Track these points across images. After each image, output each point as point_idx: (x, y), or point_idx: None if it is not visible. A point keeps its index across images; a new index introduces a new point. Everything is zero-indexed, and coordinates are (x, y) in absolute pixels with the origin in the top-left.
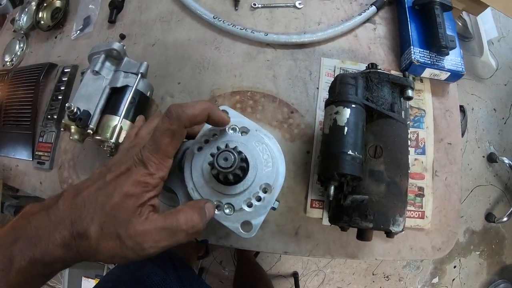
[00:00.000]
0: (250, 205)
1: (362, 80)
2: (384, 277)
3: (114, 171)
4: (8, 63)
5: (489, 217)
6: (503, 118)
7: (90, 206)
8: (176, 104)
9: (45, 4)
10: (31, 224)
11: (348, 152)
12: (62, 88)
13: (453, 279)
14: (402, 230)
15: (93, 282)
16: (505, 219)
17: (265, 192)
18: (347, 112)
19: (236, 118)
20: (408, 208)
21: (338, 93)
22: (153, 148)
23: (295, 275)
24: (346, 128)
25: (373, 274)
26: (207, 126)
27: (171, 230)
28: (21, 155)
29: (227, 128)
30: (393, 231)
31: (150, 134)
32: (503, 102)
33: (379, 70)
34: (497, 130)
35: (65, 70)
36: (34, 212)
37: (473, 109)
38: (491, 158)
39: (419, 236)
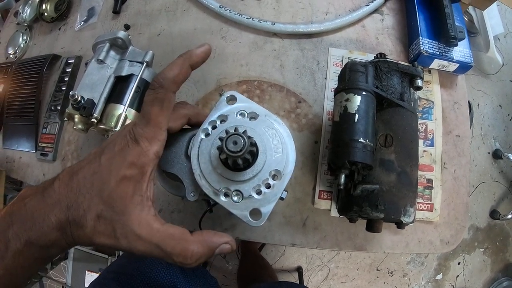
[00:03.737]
0: (259, 192)
1: (372, 68)
2: (388, 273)
3: (108, 152)
4: (11, 56)
5: (493, 214)
6: (508, 115)
7: (86, 191)
8: (156, 74)
9: None
10: (26, 207)
11: (359, 140)
12: (66, 79)
13: (457, 276)
14: (413, 222)
15: (96, 275)
16: (509, 216)
17: (274, 179)
18: (357, 100)
19: (244, 103)
20: (417, 200)
21: (348, 81)
22: (144, 122)
23: (299, 270)
24: (357, 116)
25: (377, 270)
26: (214, 112)
27: (164, 253)
28: (25, 147)
29: (235, 113)
30: (404, 222)
31: None
32: (509, 98)
33: (388, 59)
34: (502, 127)
35: (69, 61)
36: (29, 194)
37: (478, 105)
38: (496, 155)
39: (427, 229)
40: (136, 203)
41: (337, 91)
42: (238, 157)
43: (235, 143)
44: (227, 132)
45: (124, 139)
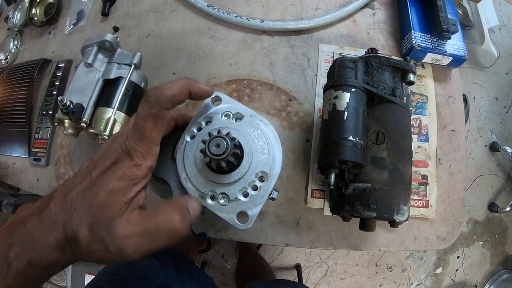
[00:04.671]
0: (246, 195)
1: (362, 64)
2: (387, 268)
3: (99, 166)
4: (3, 61)
5: (492, 207)
6: (505, 107)
7: (80, 207)
8: (153, 87)
9: (38, 0)
10: (25, 228)
11: (349, 138)
12: (57, 83)
13: (457, 270)
14: (407, 220)
15: None
16: (508, 209)
17: (261, 180)
18: (346, 97)
19: (230, 104)
20: (412, 197)
21: (337, 77)
22: (137, 137)
23: (298, 267)
24: (346, 113)
25: (376, 265)
26: (200, 114)
27: (151, 235)
28: (18, 152)
29: (220, 115)
30: (397, 220)
31: None
32: (505, 91)
33: (379, 54)
34: (499, 119)
35: (59, 65)
36: (27, 215)
37: (474, 98)
38: (493, 147)
39: (423, 226)
40: (123, 210)
41: (326, 88)
42: (222, 160)
43: (217, 146)
44: (210, 134)
45: (115, 152)
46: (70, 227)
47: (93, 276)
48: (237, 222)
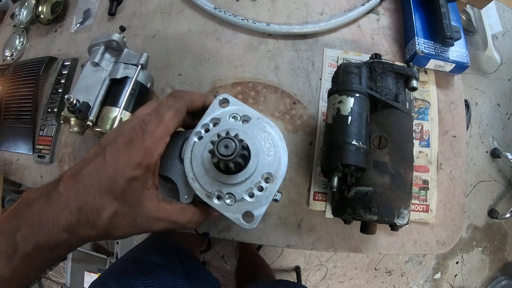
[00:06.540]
0: (251, 195)
1: (366, 69)
2: (387, 272)
3: (111, 149)
4: (8, 58)
5: (492, 213)
6: (506, 114)
7: (95, 191)
8: (178, 89)
9: None
10: (32, 210)
11: (352, 142)
12: (62, 81)
13: (455, 275)
14: (407, 223)
15: (96, 276)
16: (508, 215)
17: (267, 181)
18: (350, 101)
19: (237, 106)
20: (413, 201)
21: (341, 82)
22: (156, 121)
23: (297, 270)
24: (350, 118)
25: (375, 269)
26: (207, 116)
27: (179, 225)
28: (22, 149)
29: (228, 116)
30: (397, 224)
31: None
32: (507, 97)
33: (383, 60)
34: (500, 126)
35: (65, 63)
36: (34, 198)
37: (476, 103)
38: (494, 154)
39: (423, 230)
40: (147, 196)
41: (330, 93)
42: (230, 161)
43: (226, 147)
44: (218, 135)
45: (132, 130)
46: (87, 210)
47: (92, 274)
48: (243, 222)
